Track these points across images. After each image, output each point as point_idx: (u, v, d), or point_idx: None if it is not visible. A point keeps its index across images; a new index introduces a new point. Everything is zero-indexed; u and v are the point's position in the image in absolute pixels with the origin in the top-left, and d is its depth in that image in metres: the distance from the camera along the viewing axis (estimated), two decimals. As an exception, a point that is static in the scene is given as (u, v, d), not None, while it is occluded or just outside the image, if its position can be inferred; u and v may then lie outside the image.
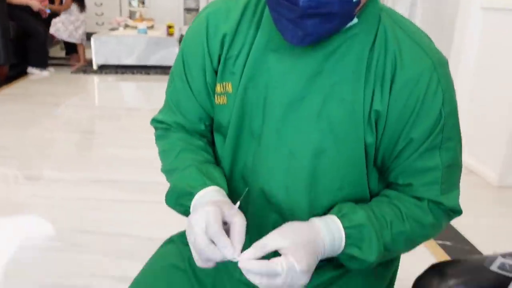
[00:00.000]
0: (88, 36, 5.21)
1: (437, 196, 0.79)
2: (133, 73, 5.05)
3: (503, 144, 2.51)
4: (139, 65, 5.19)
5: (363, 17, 0.74)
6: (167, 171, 0.87)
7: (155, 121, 0.94)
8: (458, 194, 0.83)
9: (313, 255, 0.68)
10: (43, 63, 4.92)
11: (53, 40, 5.27)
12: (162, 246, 0.98)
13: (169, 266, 0.90)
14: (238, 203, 0.70)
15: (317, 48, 0.74)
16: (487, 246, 1.95)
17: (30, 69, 4.86)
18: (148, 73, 5.02)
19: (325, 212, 0.80)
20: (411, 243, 0.82)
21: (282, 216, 0.81)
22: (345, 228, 0.73)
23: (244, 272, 0.65)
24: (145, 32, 5.21)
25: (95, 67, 5.13)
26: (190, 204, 0.76)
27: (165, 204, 0.83)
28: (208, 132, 0.90)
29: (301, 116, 0.77)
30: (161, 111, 0.93)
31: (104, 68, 5.15)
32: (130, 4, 7.37)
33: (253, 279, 0.64)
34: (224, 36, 0.80)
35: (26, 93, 4.24)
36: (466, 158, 2.69)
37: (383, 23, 0.75)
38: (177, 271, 0.88)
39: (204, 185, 0.76)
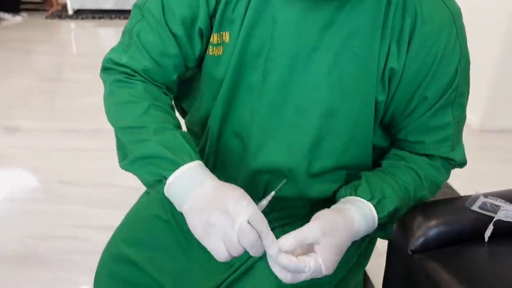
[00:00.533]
0: (61, -22, 4.95)
1: (448, 152, 0.79)
2: (111, 18, 4.82)
3: (484, 88, 2.50)
4: (117, 9, 4.94)
5: None
6: (129, 127, 0.73)
7: (112, 62, 0.79)
8: (464, 146, 0.82)
9: (342, 254, 0.66)
10: (15, 8, 4.67)
11: (24, -17, 4.99)
12: (142, 196, 0.96)
13: (152, 217, 0.88)
14: (273, 193, 0.66)
15: None
16: (467, 189, 1.98)
17: (2, 14, 4.61)
18: (128, 18, 4.81)
19: (321, 172, 0.77)
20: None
21: (275, 176, 0.78)
22: (379, 218, 0.72)
23: (269, 260, 0.62)
24: (122, -27, 4.94)
25: (70, 12, 4.89)
26: (169, 174, 0.66)
27: None
28: (177, 85, 0.82)
29: (310, 71, 0.71)
30: (122, 51, 0.79)
31: (81, 13, 4.91)
32: None
33: (276, 271, 0.61)
34: None
35: (-2, 40, 4.06)
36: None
37: None
38: (159, 221, 0.87)
39: (191, 159, 0.67)
